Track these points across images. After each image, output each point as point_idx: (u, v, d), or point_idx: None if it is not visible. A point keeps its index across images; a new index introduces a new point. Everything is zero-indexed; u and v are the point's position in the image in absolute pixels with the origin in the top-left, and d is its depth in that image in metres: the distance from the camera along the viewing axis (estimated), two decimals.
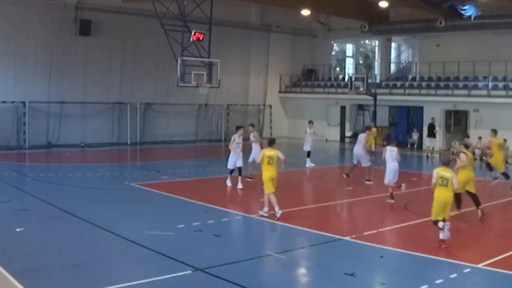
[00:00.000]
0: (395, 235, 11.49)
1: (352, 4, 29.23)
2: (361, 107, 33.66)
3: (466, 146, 13.24)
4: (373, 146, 25.92)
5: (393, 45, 37.43)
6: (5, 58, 24.75)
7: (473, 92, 26.99)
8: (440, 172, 10.42)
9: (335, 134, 33.60)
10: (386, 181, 14.57)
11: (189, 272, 8.57)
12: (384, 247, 10.22)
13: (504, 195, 15.93)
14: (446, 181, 10.30)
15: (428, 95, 28.91)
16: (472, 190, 12.63)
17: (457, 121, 29.23)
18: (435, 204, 10.38)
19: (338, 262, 9.39)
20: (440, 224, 10.16)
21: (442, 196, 10.34)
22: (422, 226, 12.19)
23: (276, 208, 12.13)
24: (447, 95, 27.95)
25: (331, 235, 11.00)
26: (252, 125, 18.68)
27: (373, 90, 30.19)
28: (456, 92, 27.62)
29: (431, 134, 26.40)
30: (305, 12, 30.14)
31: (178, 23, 23.86)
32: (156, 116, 29.47)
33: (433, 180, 10.45)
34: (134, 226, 11.52)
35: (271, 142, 12.97)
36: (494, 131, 16.07)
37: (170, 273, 8.43)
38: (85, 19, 26.58)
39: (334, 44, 39.49)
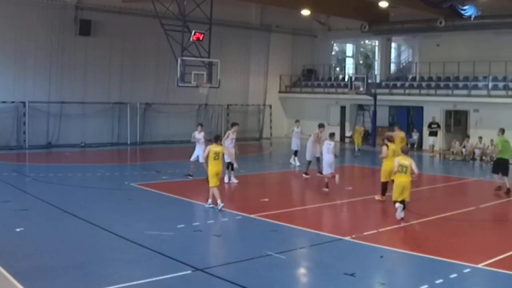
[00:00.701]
0: (395, 235, 11.48)
1: (352, 4, 29.22)
2: (361, 107, 33.65)
3: (389, 140, 14.80)
4: (359, 145, 26.63)
5: (393, 45, 37.43)
6: (5, 58, 24.75)
7: (473, 92, 26.97)
8: (400, 161, 12.16)
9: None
10: (324, 172, 16.19)
11: (189, 272, 8.57)
12: (384, 247, 10.21)
13: (504, 195, 15.93)
14: (405, 168, 11.99)
15: (428, 95, 28.91)
16: (391, 179, 13.69)
17: (457, 121, 29.22)
18: (395, 188, 12.20)
19: (338, 262, 9.38)
20: (397, 204, 12.05)
21: (400, 181, 12.08)
22: (422, 226, 12.21)
23: (219, 201, 12.95)
24: (447, 95, 27.94)
25: (331, 235, 11.00)
26: (201, 125, 18.71)
27: (373, 90, 30.19)
28: (456, 92, 27.61)
29: (432, 133, 26.58)
30: (305, 12, 30.14)
31: (178, 23, 23.85)
32: (156, 116, 29.46)
33: (395, 169, 12.20)
34: (134, 226, 11.51)
35: (217, 138, 13.62)
36: (398, 125, 18.67)
37: (170, 273, 8.42)
38: (85, 19, 26.58)
39: (334, 44, 39.49)
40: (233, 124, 17.85)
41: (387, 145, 14.54)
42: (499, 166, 16.72)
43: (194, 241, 10.52)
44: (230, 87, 31.80)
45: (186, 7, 23.76)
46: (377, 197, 14.55)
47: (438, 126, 27.08)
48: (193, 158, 17.59)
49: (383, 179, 14.37)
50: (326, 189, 15.86)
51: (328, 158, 15.94)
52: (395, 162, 12.31)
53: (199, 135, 17.76)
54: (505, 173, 16.53)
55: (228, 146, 16.55)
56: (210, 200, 13.26)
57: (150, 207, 13.69)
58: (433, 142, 26.59)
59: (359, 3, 28.74)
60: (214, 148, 13.21)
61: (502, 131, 16.97)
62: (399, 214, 12.06)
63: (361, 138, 27.71)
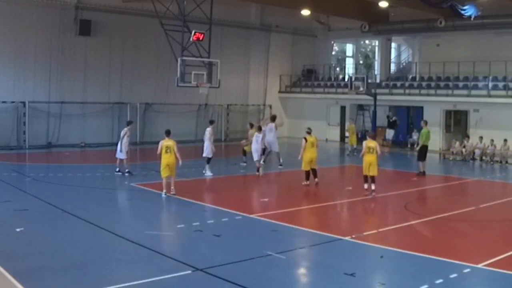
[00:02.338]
0: (395, 235, 11.48)
1: (352, 4, 29.22)
2: (361, 107, 33.63)
3: (308, 133, 16.98)
4: (354, 144, 26.23)
5: (393, 45, 37.40)
6: (5, 58, 24.76)
7: (473, 92, 26.97)
8: (367, 144, 15.18)
9: (335, 134, 33.58)
10: (255, 159, 19.04)
11: (189, 272, 8.57)
12: (384, 247, 10.21)
13: (504, 195, 15.94)
14: (372, 149, 15.07)
15: (428, 95, 28.91)
16: (314, 167, 16.85)
17: (457, 121, 29.21)
18: (364, 165, 15.19)
19: (338, 262, 9.38)
20: (365, 185, 15.23)
21: (368, 159, 15.07)
22: (422, 226, 12.21)
23: (164, 191, 14.56)
24: (447, 95, 27.94)
25: (331, 235, 10.99)
26: (130, 122, 19.69)
27: (373, 90, 30.18)
28: (456, 92, 27.61)
29: (391, 125, 28.69)
30: (305, 12, 30.12)
31: (178, 23, 23.86)
32: (156, 116, 29.44)
33: (363, 150, 15.19)
34: (134, 226, 11.52)
35: (168, 133, 14.91)
36: (255, 126, 20.74)
37: (170, 273, 8.42)
38: (85, 19, 26.58)
39: (334, 44, 39.48)
40: (211, 122, 20.14)
41: (305, 138, 16.72)
42: (423, 153, 19.76)
43: (194, 241, 10.51)
44: (230, 87, 31.80)
45: (186, 7, 23.76)
46: (303, 182, 16.76)
47: (395, 122, 29.40)
48: (124, 155, 18.23)
49: (303, 168, 16.78)
50: (258, 173, 18.81)
51: (255, 147, 18.95)
52: (363, 145, 15.31)
53: (129, 132, 18.64)
54: (425, 159, 19.84)
55: (210, 141, 18.55)
56: (173, 189, 14.61)
57: (150, 207, 13.69)
58: (388, 135, 28.66)
59: (359, 3, 28.74)
60: (165, 142, 14.59)
61: (426, 122, 20.47)
62: (365, 186, 15.27)
63: (355, 136, 27.15)
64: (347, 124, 32.66)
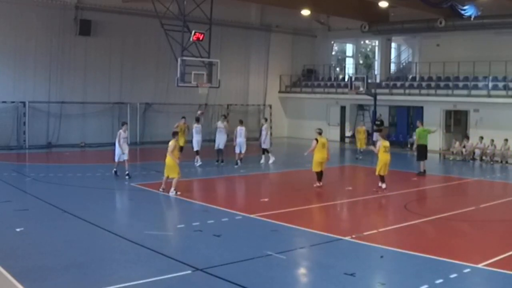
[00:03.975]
0: (395, 235, 11.48)
1: (352, 4, 29.22)
2: (361, 107, 33.64)
3: (319, 133, 16.65)
4: (362, 147, 25.33)
5: (393, 45, 37.39)
6: (5, 58, 24.75)
7: (473, 92, 26.97)
8: (383, 143, 15.91)
9: (335, 134, 33.57)
10: (236, 151, 20.83)
11: (189, 272, 8.57)
12: (384, 247, 10.21)
13: (504, 195, 15.94)
14: (387, 148, 15.82)
15: (428, 95, 28.91)
16: (322, 169, 16.51)
17: (457, 121, 29.21)
18: (380, 164, 15.71)
19: (338, 262, 9.38)
20: (383, 184, 15.67)
21: (384, 158, 15.73)
22: (422, 226, 12.21)
23: (162, 186, 15.10)
24: (447, 95, 27.94)
25: (331, 235, 10.99)
26: (124, 123, 19.30)
27: (373, 90, 30.17)
28: (456, 92, 27.61)
29: (377, 129, 28.45)
30: (305, 12, 30.13)
31: (178, 23, 23.83)
32: (156, 116, 29.45)
33: (377, 149, 15.83)
34: (134, 226, 11.51)
35: (175, 134, 16.15)
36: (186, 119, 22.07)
37: (170, 273, 8.42)
38: (85, 19, 26.59)
39: (334, 44, 39.48)
40: (197, 119, 21.87)
41: (316, 139, 16.42)
42: (422, 153, 19.93)
43: (194, 241, 10.51)
44: (230, 87, 31.80)
45: (186, 7, 23.73)
46: (315, 184, 16.47)
47: (382, 123, 29.37)
48: (119, 157, 17.86)
49: (315, 169, 16.41)
50: (236, 166, 20.34)
51: (239, 141, 20.73)
52: (378, 144, 16.00)
53: (124, 133, 18.18)
54: (425, 158, 19.98)
55: (198, 136, 21.12)
56: (167, 188, 14.91)
57: (150, 207, 13.69)
58: (376, 138, 27.69)
59: (359, 3, 28.74)
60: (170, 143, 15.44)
61: (421, 122, 20.94)
62: (383, 186, 15.73)
63: (364, 139, 25.99)
64: (348, 125, 32.76)
